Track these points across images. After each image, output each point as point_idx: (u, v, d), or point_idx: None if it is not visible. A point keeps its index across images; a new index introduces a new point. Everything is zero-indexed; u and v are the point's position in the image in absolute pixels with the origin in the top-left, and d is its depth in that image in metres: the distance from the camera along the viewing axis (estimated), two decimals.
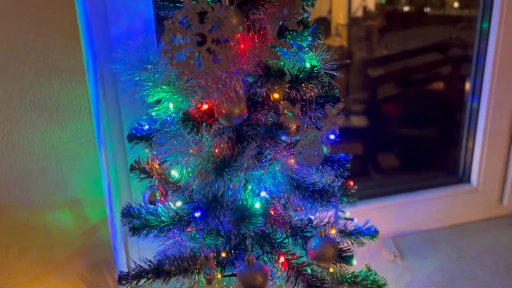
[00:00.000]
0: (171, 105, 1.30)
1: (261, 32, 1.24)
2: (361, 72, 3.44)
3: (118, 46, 1.62)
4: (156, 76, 1.24)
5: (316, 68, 1.24)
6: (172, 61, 1.12)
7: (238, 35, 1.18)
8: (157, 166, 1.44)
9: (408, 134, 3.22)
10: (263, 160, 1.27)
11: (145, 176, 1.46)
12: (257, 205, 1.30)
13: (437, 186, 2.76)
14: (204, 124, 1.19)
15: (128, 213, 1.38)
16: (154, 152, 1.42)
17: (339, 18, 3.55)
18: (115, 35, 1.61)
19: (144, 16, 1.62)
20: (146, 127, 1.43)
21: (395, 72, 3.25)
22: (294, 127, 1.24)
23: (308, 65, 1.28)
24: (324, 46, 1.32)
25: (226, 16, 1.14)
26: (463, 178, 2.86)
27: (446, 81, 3.28)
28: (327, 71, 1.28)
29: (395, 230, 2.64)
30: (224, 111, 1.21)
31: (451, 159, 3.02)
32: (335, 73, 1.32)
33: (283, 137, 1.23)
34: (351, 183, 1.73)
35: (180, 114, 1.18)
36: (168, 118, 1.31)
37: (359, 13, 3.63)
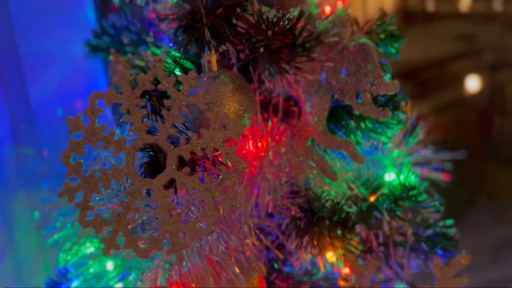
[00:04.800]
0: (110, 265, 0.64)
1: (293, 120, 0.58)
2: None
3: (42, 124, 0.97)
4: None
5: (413, 192, 0.57)
6: (83, 217, 0.46)
7: (246, 133, 0.52)
8: None
9: None
10: None
11: None
12: None
13: None
14: None
15: None
16: None
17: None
18: (37, 100, 0.95)
19: (85, 66, 0.96)
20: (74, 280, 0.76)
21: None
22: None
23: (391, 178, 0.60)
24: (420, 133, 0.65)
25: (215, 98, 0.48)
26: None
27: None
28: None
29: None
30: None
31: None
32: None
33: None
34: None
35: None
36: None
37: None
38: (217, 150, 0.46)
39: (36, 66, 0.94)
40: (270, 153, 0.54)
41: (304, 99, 0.57)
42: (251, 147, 0.54)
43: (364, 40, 0.52)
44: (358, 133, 0.53)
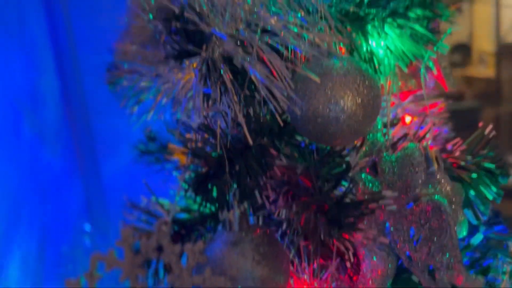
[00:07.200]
0: None
1: (350, 275, 0.45)
2: None
3: (113, 205, 0.95)
4: None
5: None
6: None
7: None
8: None
9: None
10: None
11: None
12: None
13: None
14: None
15: None
16: None
17: (483, 43, 2.73)
18: (109, 180, 0.93)
19: None
20: None
21: None
22: None
23: None
24: None
25: (225, 282, 0.38)
26: None
27: None
28: None
29: None
30: None
31: None
32: None
33: None
34: None
35: None
36: None
37: None
38: None
39: (109, 146, 0.93)
40: None
41: (363, 255, 0.44)
42: None
43: (437, 197, 0.38)
44: None
